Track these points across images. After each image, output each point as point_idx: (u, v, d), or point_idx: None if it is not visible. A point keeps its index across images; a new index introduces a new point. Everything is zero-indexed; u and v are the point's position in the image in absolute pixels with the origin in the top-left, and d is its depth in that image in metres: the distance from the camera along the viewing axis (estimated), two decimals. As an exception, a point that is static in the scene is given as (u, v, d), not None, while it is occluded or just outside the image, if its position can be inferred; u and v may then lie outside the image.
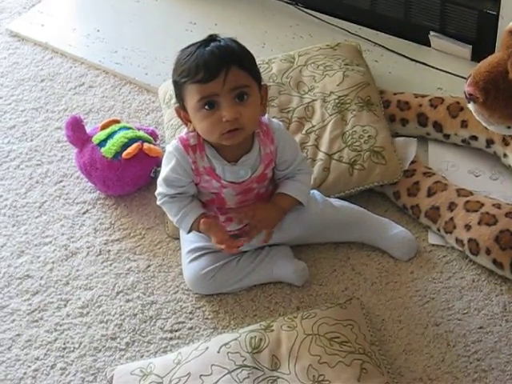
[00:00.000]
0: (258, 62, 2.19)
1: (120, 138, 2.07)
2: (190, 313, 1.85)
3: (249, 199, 1.82)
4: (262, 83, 1.75)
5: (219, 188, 1.78)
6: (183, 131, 1.78)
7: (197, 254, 1.86)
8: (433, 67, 2.32)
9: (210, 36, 1.71)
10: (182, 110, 1.74)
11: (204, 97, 1.66)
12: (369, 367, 1.64)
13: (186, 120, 1.74)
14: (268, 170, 1.80)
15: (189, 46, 1.70)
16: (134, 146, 2.05)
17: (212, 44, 1.67)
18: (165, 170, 1.78)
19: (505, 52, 1.67)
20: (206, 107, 1.66)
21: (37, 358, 1.80)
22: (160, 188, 1.81)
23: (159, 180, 1.80)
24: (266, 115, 1.80)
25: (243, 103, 1.67)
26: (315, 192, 1.92)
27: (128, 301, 1.88)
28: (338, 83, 2.14)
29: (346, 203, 1.93)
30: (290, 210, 1.84)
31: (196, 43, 1.69)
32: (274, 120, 1.83)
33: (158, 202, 1.83)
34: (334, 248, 1.93)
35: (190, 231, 1.81)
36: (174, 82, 1.73)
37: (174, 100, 1.82)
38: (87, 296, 1.90)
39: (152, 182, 2.02)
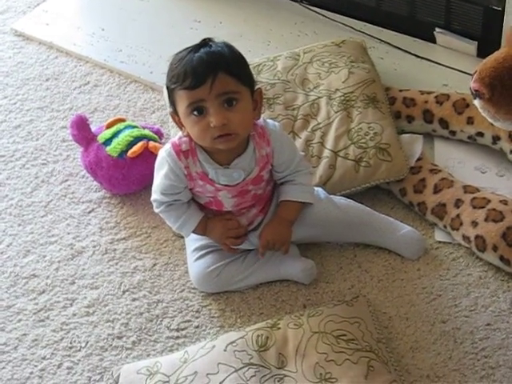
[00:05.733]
0: (262, 60, 2.22)
1: (125, 136, 2.07)
2: (197, 311, 1.84)
3: (246, 201, 1.81)
4: (256, 88, 1.74)
5: (214, 192, 1.77)
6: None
7: (202, 252, 1.86)
8: (438, 64, 2.31)
9: (204, 40, 1.70)
10: (175, 114, 1.74)
11: (192, 102, 1.65)
12: (376, 365, 1.63)
13: (181, 124, 1.74)
14: (264, 172, 1.79)
15: (181, 51, 1.69)
16: (140, 144, 2.05)
17: (202, 50, 1.66)
18: (158, 176, 1.78)
19: (510, 48, 1.67)
20: (195, 113, 1.66)
21: (43, 358, 1.80)
22: (155, 195, 1.81)
23: (153, 186, 1.81)
24: (262, 117, 1.78)
25: (232, 109, 1.66)
26: (319, 190, 1.91)
27: (134, 300, 1.88)
28: (343, 80, 2.13)
29: (351, 202, 1.91)
30: (298, 215, 1.84)
31: (188, 48, 1.69)
32: (270, 121, 1.82)
33: (155, 210, 1.83)
34: (340, 246, 1.92)
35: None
36: (166, 88, 1.73)
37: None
38: (93, 295, 1.90)
39: (157, 181, 2.02)
